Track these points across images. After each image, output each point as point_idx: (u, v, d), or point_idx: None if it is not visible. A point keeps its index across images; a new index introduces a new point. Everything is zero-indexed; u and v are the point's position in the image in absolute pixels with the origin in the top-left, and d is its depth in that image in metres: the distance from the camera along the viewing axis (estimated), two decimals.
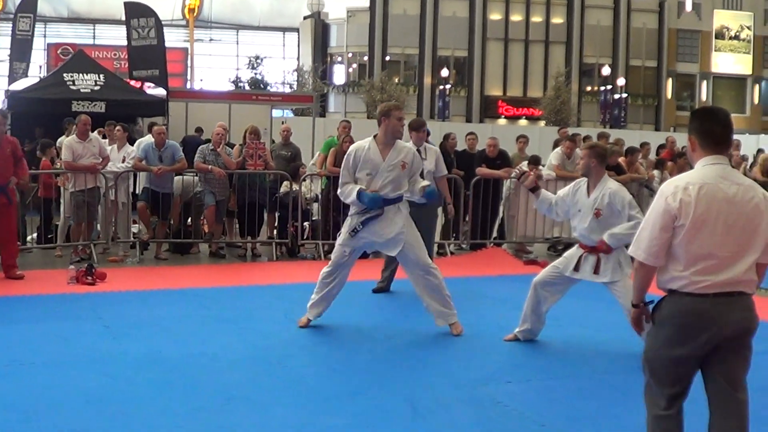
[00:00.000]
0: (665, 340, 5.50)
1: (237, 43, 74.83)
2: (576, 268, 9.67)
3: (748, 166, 23.02)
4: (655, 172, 19.12)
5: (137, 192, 17.46)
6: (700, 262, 5.35)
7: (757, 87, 72.78)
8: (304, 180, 17.17)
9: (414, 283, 10.62)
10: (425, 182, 10.87)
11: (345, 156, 10.77)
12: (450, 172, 16.48)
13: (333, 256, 10.82)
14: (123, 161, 16.32)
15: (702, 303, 5.36)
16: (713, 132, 5.49)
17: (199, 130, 22.97)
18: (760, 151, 28.70)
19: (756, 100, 72.76)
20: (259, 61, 63.68)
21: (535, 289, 9.94)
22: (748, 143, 29.70)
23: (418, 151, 12.68)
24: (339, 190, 10.64)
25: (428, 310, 10.53)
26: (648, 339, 5.71)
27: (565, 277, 9.83)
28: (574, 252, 9.86)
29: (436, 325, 10.48)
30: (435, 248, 15.84)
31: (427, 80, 66.08)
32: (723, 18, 71.78)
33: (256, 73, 62.85)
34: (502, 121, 64.46)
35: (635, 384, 8.59)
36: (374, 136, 10.65)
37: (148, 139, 17.11)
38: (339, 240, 10.73)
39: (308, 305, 10.66)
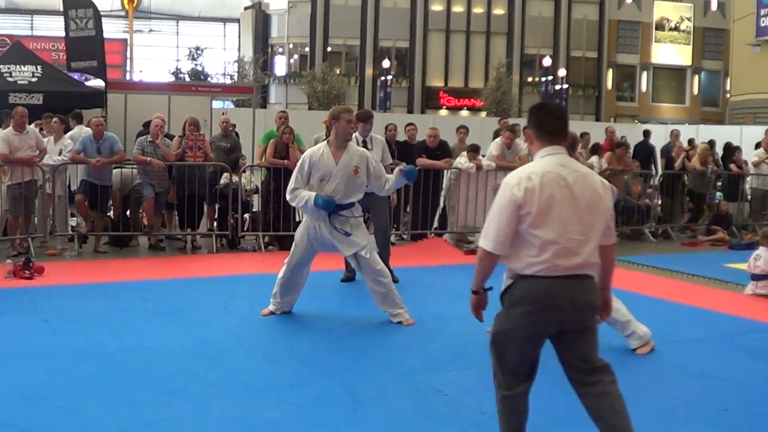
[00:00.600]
0: (515, 323, 5.74)
1: (177, 34, 74.51)
2: None
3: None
4: (594, 159, 19.24)
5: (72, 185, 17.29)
6: (550, 247, 5.61)
7: (696, 78, 73.34)
8: (244, 171, 17.12)
9: (366, 280, 10.81)
10: (402, 165, 11.02)
11: (300, 161, 10.86)
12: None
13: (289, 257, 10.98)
14: (60, 154, 16.13)
15: (552, 286, 5.63)
16: (548, 125, 5.87)
17: (147, 124, 22.78)
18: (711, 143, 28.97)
19: (695, 91, 73.33)
20: (199, 52, 63.37)
21: None
22: (687, 133, 29.88)
23: (365, 141, 12.97)
24: (288, 195, 10.71)
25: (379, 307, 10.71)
26: (497, 322, 5.89)
27: None
28: None
29: (382, 315, 10.62)
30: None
31: (369, 71, 66.02)
32: (663, 9, 72.27)
33: (196, 64, 62.55)
34: (443, 112, 64.52)
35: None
36: (327, 141, 10.74)
37: (79, 130, 17.03)
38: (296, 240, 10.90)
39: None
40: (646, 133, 24.86)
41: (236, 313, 10.95)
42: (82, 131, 17.20)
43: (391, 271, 12.93)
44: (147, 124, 18.26)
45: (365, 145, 12.92)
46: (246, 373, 8.33)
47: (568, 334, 5.78)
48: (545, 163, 5.77)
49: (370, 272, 10.57)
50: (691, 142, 25.95)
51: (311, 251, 10.86)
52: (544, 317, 5.70)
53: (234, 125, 18.94)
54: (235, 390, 7.76)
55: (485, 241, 5.74)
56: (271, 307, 10.91)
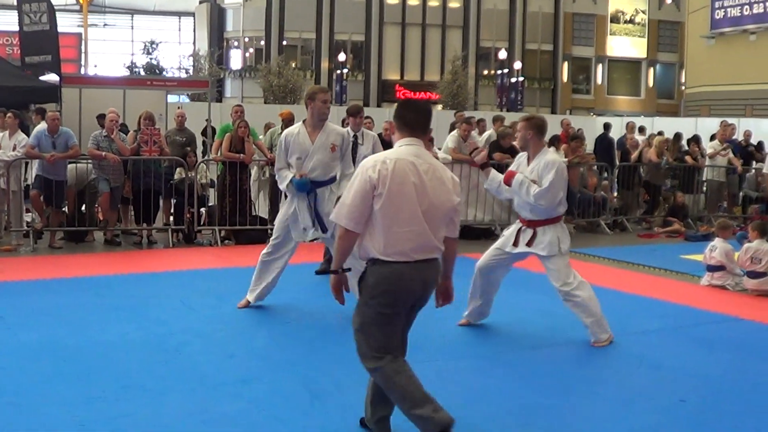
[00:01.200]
0: (375, 306, 6.11)
1: (132, 28, 74.25)
2: (515, 243, 9.78)
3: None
4: (550, 150, 19.28)
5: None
6: (399, 231, 5.98)
7: (651, 70, 73.76)
8: (199, 166, 17.06)
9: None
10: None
11: (278, 142, 10.94)
12: None
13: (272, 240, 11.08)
14: (14, 149, 15.99)
15: (404, 268, 6.01)
16: (408, 118, 6.30)
17: (101, 117, 22.59)
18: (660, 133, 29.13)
19: (650, 83, 73.76)
20: (154, 46, 63.16)
21: (480, 274, 10.11)
22: (643, 125, 30.07)
23: (356, 136, 13.12)
24: (276, 176, 10.89)
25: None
26: (360, 308, 6.26)
27: (505, 254, 9.94)
28: (513, 228, 9.98)
29: (340, 308, 10.59)
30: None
31: (325, 64, 65.98)
32: (618, 2, 72.64)
33: (151, 59, 62.32)
34: None
35: (529, 360, 8.79)
36: (303, 121, 10.76)
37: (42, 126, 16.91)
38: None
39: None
40: (607, 126, 24.94)
41: (193, 308, 10.91)
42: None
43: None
44: (101, 117, 18.18)
45: (356, 140, 13.14)
46: (203, 367, 8.30)
47: (414, 309, 6.33)
48: (401, 151, 6.18)
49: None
50: (642, 130, 26.17)
51: (289, 239, 10.88)
52: (395, 301, 6.10)
53: (209, 119, 18.82)
54: (192, 385, 7.73)
55: (340, 218, 6.08)
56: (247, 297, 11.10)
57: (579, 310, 9.56)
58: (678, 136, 23.40)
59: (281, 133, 17.35)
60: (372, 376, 6.31)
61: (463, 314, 10.29)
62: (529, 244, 9.65)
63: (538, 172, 9.49)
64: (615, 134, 25.24)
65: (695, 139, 23.33)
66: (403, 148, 6.20)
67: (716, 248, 13.55)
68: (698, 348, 9.66)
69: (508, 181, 9.58)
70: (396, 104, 6.57)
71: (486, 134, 20.26)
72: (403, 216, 5.98)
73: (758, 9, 56.49)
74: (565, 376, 8.39)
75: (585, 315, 9.56)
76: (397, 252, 6.01)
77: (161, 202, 16.93)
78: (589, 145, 23.65)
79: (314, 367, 8.27)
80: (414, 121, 6.30)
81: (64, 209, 16.48)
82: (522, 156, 9.99)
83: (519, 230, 9.81)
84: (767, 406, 7.70)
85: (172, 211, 17.07)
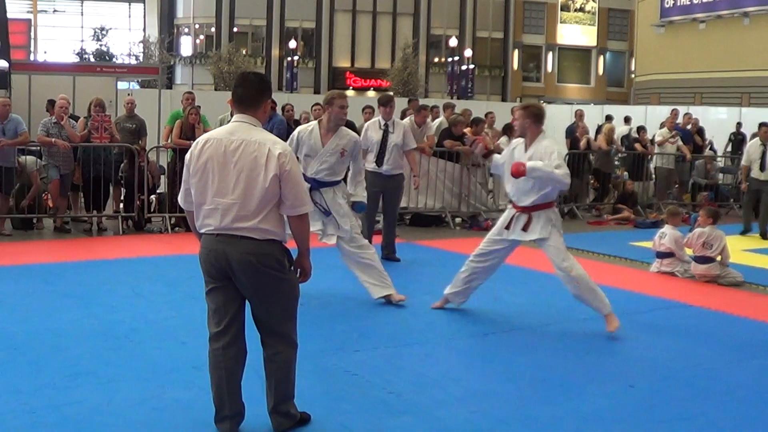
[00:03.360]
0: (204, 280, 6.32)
1: (81, 14, 73.44)
2: (507, 227, 9.89)
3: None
4: (504, 139, 19.38)
5: None
6: (202, 208, 6.16)
7: (601, 58, 74.08)
8: (148, 152, 16.97)
9: (346, 257, 11.05)
10: (357, 198, 11.28)
11: (291, 137, 11.04)
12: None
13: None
14: None
15: (209, 242, 6.16)
16: (236, 93, 6.28)
17: (51, 102, 22.34)
18: (608, 117, 29.32)
19: (600, 71, 74.08)
20: (104, 32, 62.65)
21: (470, 262, 10.24)
22: (592, 113, 30.21)
23: (386, 125, 13.49)
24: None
25: (362, 284, 10.88)
26: None
27: (500, 240, 10.05)
28: (506, 214, 10.09)
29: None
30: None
31: (275, 52, 65.72)
32: None
33: (101, 45, 61.84)
34: (350, 93, 64.36)
35: (479, 347, 8.84)
36: (319, 121, 10.94)
37: None
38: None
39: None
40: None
41: (144, 295, 10.89)
42: None
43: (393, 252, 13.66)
44: (51, 103, 18.04)
45: (387, 129, 13.50)
46: (154, 354, 8.30)
47: (242, 289, 6.24)
48: (220, 130, 6.29)
49: (350, 242, 10.85)
50: (627, 120, 26.36)
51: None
52: (207, 271, 6.27)
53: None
54: (143, 372, 7.71)
55: (179, 198, 6.46)
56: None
57: (579, 286, 9.71)
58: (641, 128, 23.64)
59: (230, 120, 17.34)
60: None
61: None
62: (524, 229, 9.78)
63: (540, 158, 9.60)
64: (565, 122, 25.36)
65: (642, 128, 23.51)
66: (229, 125, 6.26)
67: (666, 235, 13.68)
68: (647, 334, 9.76)
69: (519, 172, 9.56)
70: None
71: (437, 121, 20.29)
72: (201, 194, 6.12)
73: None
74: (514, 363, 8.44)
75: (585, 291, 9.76)
76: (201, 225, 6.20)
77: (111, 189, 16.82)
78: None
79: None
80: (242, 95, 6.28)
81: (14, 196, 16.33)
82: (517, 143, 10.12)
83: (513, 216, 9.92)
84: (714, 390, 7.80)
85: (122, 198, 16.96)
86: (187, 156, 6.21)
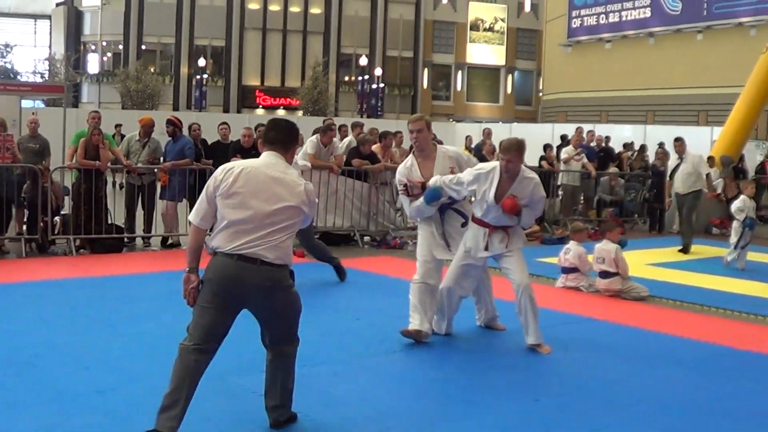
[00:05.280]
0: (202, 297, 6.67)
1: None
2: (486, 248, 9.95)
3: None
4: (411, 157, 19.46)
5: None
6: (235, 227, 6.48)
7: (510, 77, 74.89)
8: (52, 173, 16.77)
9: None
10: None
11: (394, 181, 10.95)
12: (199, 162, 16.82)
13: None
14: None
15: (229, 263, 6.47)
16: (265, 134, 6.92)
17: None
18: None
19: (509, 90, 74.89)
20: (8, 49, 61.99)
21: (449, 295, 10.27)
22: (500, 132, 30.48)
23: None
24: (406, 211, 10.87)
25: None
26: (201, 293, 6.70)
27: (475, 261, 10.14)
28: (473, 235, 10.07)
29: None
30: None
31: (184, 70, 65.56)
32: (478, 10, 73.57)
33: (5, 62, 61.15)
34: (260, 111, 64.45)
35: (389, 366, 8.86)
36: (412, 152, 10.65)
37: None
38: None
39: None
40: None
41: (47, 319, 10.72)
42: None
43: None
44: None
45: None
46: (58, 380, 8.16)
47: (261, 313, 6.81)
48: (255, 161, 6.79)
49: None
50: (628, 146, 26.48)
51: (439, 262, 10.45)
52: (215, 291, 6.58)
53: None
54: (47, 397, 7.60)
55: (192, 215, 6.73)
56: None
57: (530, 307, 9.84)
58: (643, 147, 24.07)
59: (139, 139, 17.25)
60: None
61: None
62: (504, 244, 9.94)
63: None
64: (475, 140, 25.50)
65: (549, 146, 23.78)
66: (262, 158, 6.78)
67: (570, 251, 13.89)
68: (553, 348, 9.82)
69: (513, 209, 9.70)
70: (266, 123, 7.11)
71: (345, 140, 20.33)
72: (239, 215, 6.46)
73: (613, 18, 57.86)
74: (419, 380, 8.51)
75: (533, 314, 9.84)
76: (227, 246, 6.47)
77: (14, 210, 16.58)
78: None
79: (168, 378, 8.20)
80: (273, 138, 6.85)
81: None
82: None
83: (486, 235, 9.95)
84: (619, 402, 7.92)
85: (25, 219, 16.72)
86: (218, 178, 6.57)
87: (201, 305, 6.64)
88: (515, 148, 9.70)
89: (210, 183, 6.58)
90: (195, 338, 6.69)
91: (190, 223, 6.76)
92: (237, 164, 6.65)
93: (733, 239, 16.98)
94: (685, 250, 18.82)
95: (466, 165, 10.32)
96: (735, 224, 17.08)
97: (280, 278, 6.55)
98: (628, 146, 28.97)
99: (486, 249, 9.91)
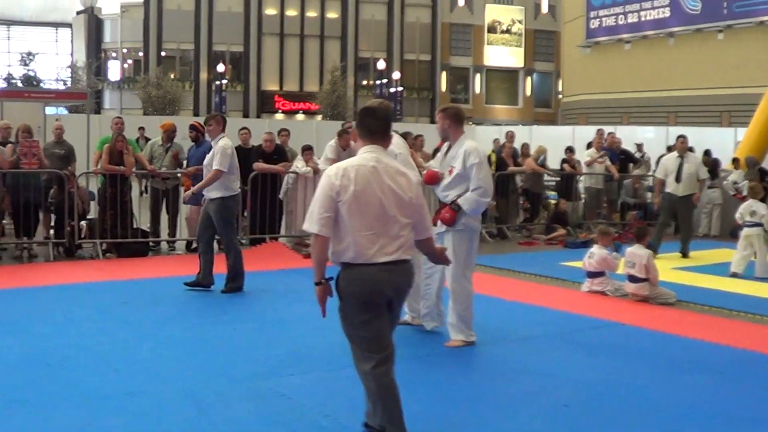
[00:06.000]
0: (352, 311, 6.27)
1: (8, 39, 73.05)
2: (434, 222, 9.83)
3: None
4: (433, 162, 19.44)
5: None
6: (365, 233, 6.14)
7: (528, 79, 74.82)
8: (77, 178, 16.85)
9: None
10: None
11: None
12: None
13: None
14: None
15: (372, 271, 6.16)
16: (370, 125, 6.45)
17: None
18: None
19: (528, 92, 74.82)
20: (31, 57, 62.24)
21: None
22: (520, 134, 30.40)
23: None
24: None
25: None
26: (340, 315, 6.36)
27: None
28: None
29: (223, 321, 10.62)
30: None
31: (204, 75, 65.71)
32: (495, 12, 73.53)
33: (28, 70, 61.39)
34: (279, 116, 64.51)
35: (417, 370, 8.81)
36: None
37: None
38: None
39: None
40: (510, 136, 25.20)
41: (75, 322, 10.78)
42: None
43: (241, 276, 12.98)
44: None
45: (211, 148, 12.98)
46: (87, 381, 8.20)
47: (391, 311, 6.40)
48: (363, 158, 6.32)
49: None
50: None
51: None
52: (369, 303, 6.22)
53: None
54: (76, 399, 7.63)
55: (310, 224, 6.20)
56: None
57: (456, 296, 9.85)
58: (669, 149, 23.54)
59: (162, 144, 17.34)
60: (362, 379, 6.44)
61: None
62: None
63: (458, 160, 9.74)
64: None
65: (571, 148, 23.66)
66: (366, 155, 6.33)
67: (594, 254, 13.71)
68: (580, 353, 9.79)
69: (447, 220, 9.76)
70: (358, 112, 6.68)
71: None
72: (365, 220, 6.13)
73: (632, 18, 57.61)
74: (450, 384, 8.45)
75: (458, 304, 9.90)
76: (363, 255, 6.15)
77: (41, 215, 16.68)
78: None
79: (199, 380, 8.23)
80: (377, 127, 6.44)
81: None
82: (444, 147, 10.24)
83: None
84: (647, 408, 7.83)
85: (52, 224, 16.81)
86: (336, 183, 6.14)
87: (358, 321, 6.27)
88: (440, 110, 10.16)
89: (327, 190, 6.14)
90: (375, 354, 6.30)
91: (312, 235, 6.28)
92: (347, 165, 6.25)
93: (751, 249, 16.03)
94: (685, 254, 18.19)
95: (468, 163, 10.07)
96: (754, 231, 16.03)
97: (413, 274, 6.47)
98: (639, 147, 28.66)
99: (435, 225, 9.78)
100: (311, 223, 6.18)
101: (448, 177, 9.88)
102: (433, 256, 6.82)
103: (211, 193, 12.88)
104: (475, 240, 10.18)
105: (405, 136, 19.15)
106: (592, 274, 13.74)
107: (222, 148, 12.82)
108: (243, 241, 17.94)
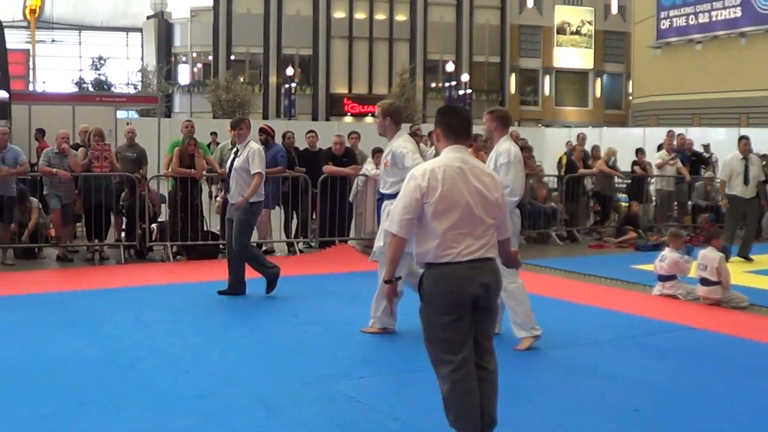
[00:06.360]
0: (435, 311, 6.18)
1: (80, 44, 73.86)
2: None
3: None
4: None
5: None
6: (451, 233, 6.10)
7: (598, 81, 74.35)
8: (149, 181, 16.98)
9: None
10: None
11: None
12: (293, 170, 17.07)
13: None
14: None
15: (457, 269, 6.10)
16: (453, 125, 6.41)
17: (40, 131, 22.29)
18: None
19: (598, 94, 74.35)
20: (102, 61, 62.94)
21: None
22: (590, 137, 30.20)
23: (237, 149, 12.69)
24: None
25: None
26: (422, 317, 6.29)
27: None
28: None
29: (291, 324, 10.62)
30: (285, 247, 16.08)
31: (273, 79, 65.94)
32: (564, 13, 73.18)
33: (99, 74, 62.08)
34: (348, 119, 64.62)
35: None
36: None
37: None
38: None
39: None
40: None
41: (146, 323, 10.87)
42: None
43: (243, 284, 12.84)
44: (39, 132, 18.12)
45: (236, 152, 12.75)
46: (157, 383, 8.27)
47: (478, 311, 6.22)
48: (448, 158, 6.27)
49: None
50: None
51: None
52: (454, 304, 6.10)
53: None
54: (146, 400, 7.69)
55: (391, 224, 6.27)
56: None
57: (512, 294, 9.85)
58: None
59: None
60: (439, 382, 6.37)
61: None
62: None
63: (491, 161, 9.79)
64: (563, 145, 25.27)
65: (641, 150, 23.46)
66: (450, 154, 6.31)
67: (666, 258, 13.55)
68: (651, 357, 9.71)
69: None
70: (438, 112, 6.64)
71: (434, 148, 20.31)
72: (452, 220, 6.10)
73: (703, 19, 57.10)
74: (517, 386, 8.38)
75: (514, 300, 9.91)
76: (448, 254, 6.11)
77: (113, 218, 16.84)
78: (538, 156, 23.75)
79: (268, 382, 8.26)
80: (460, 127, 6.42)
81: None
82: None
83: None
84: (719, 413, 7.76)
85: (123, 226, 16.96)
86: (423, 185, 6.12)
87: (440, 323, 6.17)
88: (488, 112, 10.32)
89: (413, 191, 6.13)
90: (453, 357, 6.21)
91: (388, 234, 6.42)
92: (433, 166, 6.22)
93: None
94: (748, 258, 17.69)
95: (400, 159, 10.20)
96: None
97: (498, 271, 6.40)
98: (706, 148, 28.30)
99: None
100: (392, 222, 6.25)
101: None
102: (507, 258, 6.73)
103: (240, 197, 12.70)
104: (515, 239, 10.16)
105: (474, 138, 19.19)
106: (664, 278, 13.59)
107: (258, 151, 12.74)
108: (312, 244, 18.00)
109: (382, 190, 10.42)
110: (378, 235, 10.42)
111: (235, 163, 12.64)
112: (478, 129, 10.91)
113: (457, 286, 6.09)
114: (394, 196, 9.77)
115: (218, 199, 12.34)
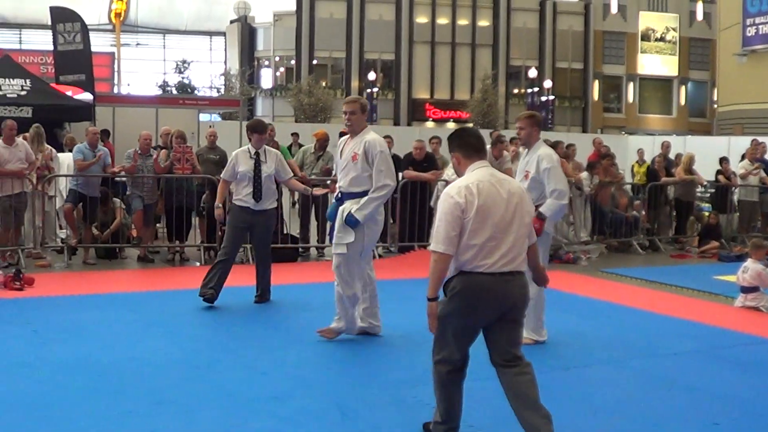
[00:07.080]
0: (456, 310, 6.46)
1: (164, 47, 74.68)
2: None
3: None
4: (584, 174, 19.31)
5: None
6: (488, 245, 6.31)
7: (683, 88, 73.62)
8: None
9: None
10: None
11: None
12: None
13: None
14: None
15: (490, 280, 6.32)
16: (471, 143, 6.68)
17: (105, 132, 22.32)
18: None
19: (682, 101, 73.61)
20: (186, 65, 63.48)
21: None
22: (675, 144, 29.88)
23: (257, 153, 12.48)
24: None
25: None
26: (441, 307, 6.55)
27: None
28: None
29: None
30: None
31: (355, 83, 66.09)
32: (648, 20, 72.56)
33: (183, 77, 62.62)
34: (429, 124, 64.63)
35: (560, 380, 8.71)
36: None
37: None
38: None
39: None
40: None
41: (224, 325, 10.97)
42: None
43: (267, 289, 12.82)
44: (105, 133, 18.37)
45: (258, 158, 12.46)
46: (234, 384, 8.32)
47: (502, 321, 6.49)
48: (478, 175, 6.49)
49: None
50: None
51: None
52: (477, 311, 6.42)
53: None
54: (222, 401, 7.75)
55: (436, 244, 6.37)
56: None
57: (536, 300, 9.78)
58: None
59: (314, 152, 17.47)
60: (432, 371, 6.80)
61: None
62: None
63: (533, 165, 9.99)
64: (649, 153, 24.98)
65: (725, 159, 23.18)
66: (477, 171, 6.51)
67: (748, 269, 13.34)
68: (732, 370, 9.56)
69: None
70: (452, 136, 6.83)
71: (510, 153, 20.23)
72: (488, 233, 6.30)
73: None
74: (596, 397, 8.34)
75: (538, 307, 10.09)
76: (482, 265, 6.32)
77: (194, 219, 16.97)
78: (621, 164, 23.56)
79: (344, 386, 8.29)
80: (477, 144, 6.67)
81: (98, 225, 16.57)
82: (522, 153, 10.59)
83: None
84: None
85: (205, 228, 17.07)
86: (461, 202, 6.30)
87: (459, 324, 6.53)
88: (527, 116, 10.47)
89: (452, 209, 6.30)
90: (454, 358, 6.70)
91: (435, 252, 6.40)
92: (467, 183, 6.39)
93: None
94: None
95: (371, 155, 10.02)
96: None
97: (527, 287, 6.59)
98: None
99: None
100: (437, 242, 6.36)
101: (525, 181, 9.97)
102: (535, 271, 7.02)
103: (274, 202, 12.81)
104: (548, 243, 10.61)
105: (555, 145, 19.07)
106: (746, 289, 13.38)
107: (282, 156, 12.90)
108: (391, 249, 18.00)
109: (345, 188, 10.19)
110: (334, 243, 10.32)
111: (267, 169, 12.50)
112: (560, 136, 10.93)
113: (486, 297, 6.36)
114: (358, 194, 10.02)
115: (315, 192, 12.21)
